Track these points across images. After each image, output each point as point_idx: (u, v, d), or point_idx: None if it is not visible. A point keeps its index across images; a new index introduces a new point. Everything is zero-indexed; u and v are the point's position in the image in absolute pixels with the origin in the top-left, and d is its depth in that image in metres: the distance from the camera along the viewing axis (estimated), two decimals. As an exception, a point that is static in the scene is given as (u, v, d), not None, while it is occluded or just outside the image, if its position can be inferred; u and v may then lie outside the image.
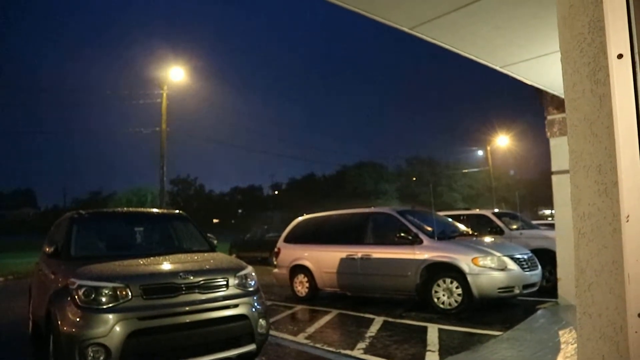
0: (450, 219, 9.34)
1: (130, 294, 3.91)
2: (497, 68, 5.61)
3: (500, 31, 4.49)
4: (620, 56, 1.56)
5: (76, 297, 3.84)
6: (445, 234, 7.94)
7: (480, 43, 4.84)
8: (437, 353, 5.03)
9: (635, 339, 1.47)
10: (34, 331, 5.67)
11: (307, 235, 9.41)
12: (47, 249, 4.92)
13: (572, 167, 1.65)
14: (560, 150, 6.80)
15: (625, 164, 1.55)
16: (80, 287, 3.87)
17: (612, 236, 1.52)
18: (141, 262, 4.56)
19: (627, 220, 1.51)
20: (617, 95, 1.56)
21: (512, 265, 7.01)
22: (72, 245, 4.85)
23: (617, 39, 1.57)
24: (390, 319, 6.87)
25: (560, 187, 6.81)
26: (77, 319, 3.74)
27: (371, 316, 7.13)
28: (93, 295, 3.83)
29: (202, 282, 4.28)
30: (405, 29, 4.44)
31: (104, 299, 3.83)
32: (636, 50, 1.57)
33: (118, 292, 3.88)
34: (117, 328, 3.72)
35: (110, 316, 3.75)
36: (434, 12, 4.07)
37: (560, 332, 5.30)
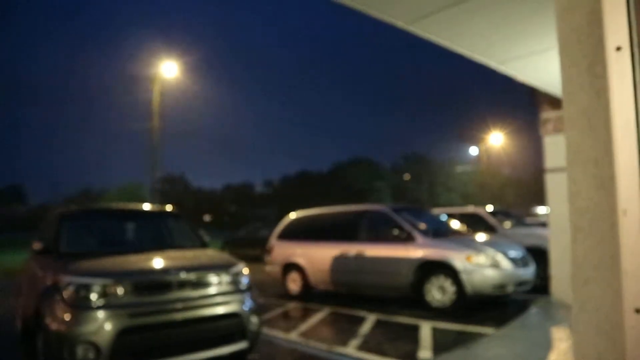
0: (444, 217, 9.35)
1: (120, 290, 3.86)
2: (493, 65, 5.60)
3: (497, 27, 4.47)
4: (618, 49, 1.54)
5: (66, 294, 3.78)
6: (439, 232, 7.93)
7: (476, 39, 4.82)
8: (430, 351, 5.03)
9: (632, 334, 1.45)
10: (22, 329, 5.59)
11: (300, 233, 9.37)
12: (37, 246, 4.85)
13: (569, 161, 1.63)
14: (554, 148, 6.82)
15: (623, 157, 1.53)
16: (69, 284, 3.81)
17: (610, 230, 1.50)
18: (132, 259, 4.50)
19: (625, 215, 1.49)
20: (615, 89, 1.54)
21: (505, 263, 7.02)
22: (62, 241, 4.79)
23: (616, 31, 1.55)
24: (383, 317, 6.86)
25: (554, 185, 6.82)
26: (67, 317, 3.68)
27: (364, 314, 7.12)
28: (83, 293, 3.77)
29: (193, 278, 4.24)
30: (402, 25, 4.41)
31: (94, 296, 3.77)
32: (635, 43, 1.55)
33: (108, 289, 3.82)
34: (107, 325, 3.67)
35: (100, 313, 3.70)
36: (431, 7, 4.05)
37: (553, 330, 5.32)
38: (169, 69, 19.53)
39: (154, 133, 19.58)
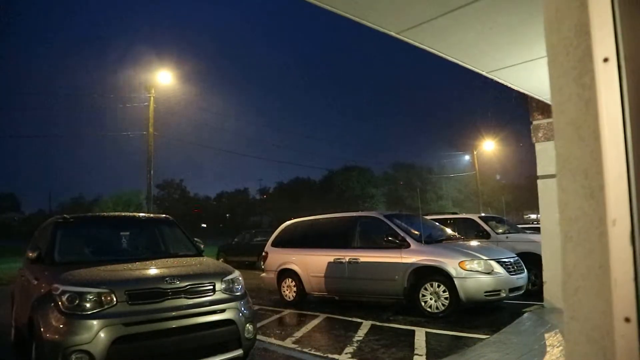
0: (437, 223, 9.38)
1: (115, 299, 3.85)
2: (483, 73, 5.65)
3: (486, 36, 4.52)
4: (606, 60, 1.57)
5: (60, 303, 3.77)
6: (433, 238, 7.96)
7: (466, 48, 4.87)
8: (424, 357, 5.03)
9: (622, 343, 1.47)
10: (16, 338, 5.55)
11: (295, 239, 9.37)
12: (31, 254, 4.82)
13: (559, 171, 1.65)
14: (545, 155, 6.86)
15: (612, 167, 1.55)
16: (63, 292, 3.80)
17: (599, 240, 1.52)
18: (126, 267, 4.49)
19: (614, 225, 1.51)
20: (603, 99, 1.56)
21: (498, 268, 7.05)
22: (56, 250, 4.77)
23: (603, 42, 1.58)
24: (377, 323, 6.86)
25: (546, 191, 6.87)
26: (61, 326, 3.67)
27: (359, 320, 7.11)
28: (77, 301, 3.76)
29: (188, 287, 4.23)
30: (392, 34, 4.45)
31: (88, 305, 3.76)
32: (621, 54, 1.58)
33: (103, 298, 3.82)
34: (102, 334, 3.65)
35: (95, 322, 3.68)
36: (421, 17, 4.09)
37: (546, 335, 5.34)
38: (163, 77, 19.56)
39: (149, 141, 19.53)
